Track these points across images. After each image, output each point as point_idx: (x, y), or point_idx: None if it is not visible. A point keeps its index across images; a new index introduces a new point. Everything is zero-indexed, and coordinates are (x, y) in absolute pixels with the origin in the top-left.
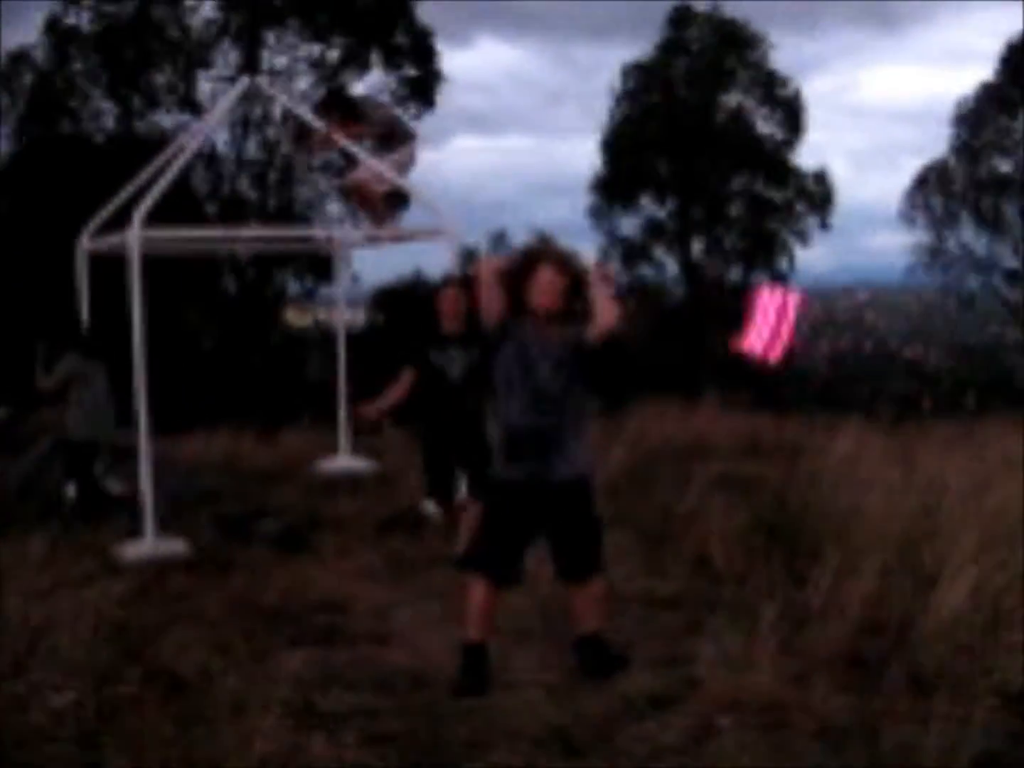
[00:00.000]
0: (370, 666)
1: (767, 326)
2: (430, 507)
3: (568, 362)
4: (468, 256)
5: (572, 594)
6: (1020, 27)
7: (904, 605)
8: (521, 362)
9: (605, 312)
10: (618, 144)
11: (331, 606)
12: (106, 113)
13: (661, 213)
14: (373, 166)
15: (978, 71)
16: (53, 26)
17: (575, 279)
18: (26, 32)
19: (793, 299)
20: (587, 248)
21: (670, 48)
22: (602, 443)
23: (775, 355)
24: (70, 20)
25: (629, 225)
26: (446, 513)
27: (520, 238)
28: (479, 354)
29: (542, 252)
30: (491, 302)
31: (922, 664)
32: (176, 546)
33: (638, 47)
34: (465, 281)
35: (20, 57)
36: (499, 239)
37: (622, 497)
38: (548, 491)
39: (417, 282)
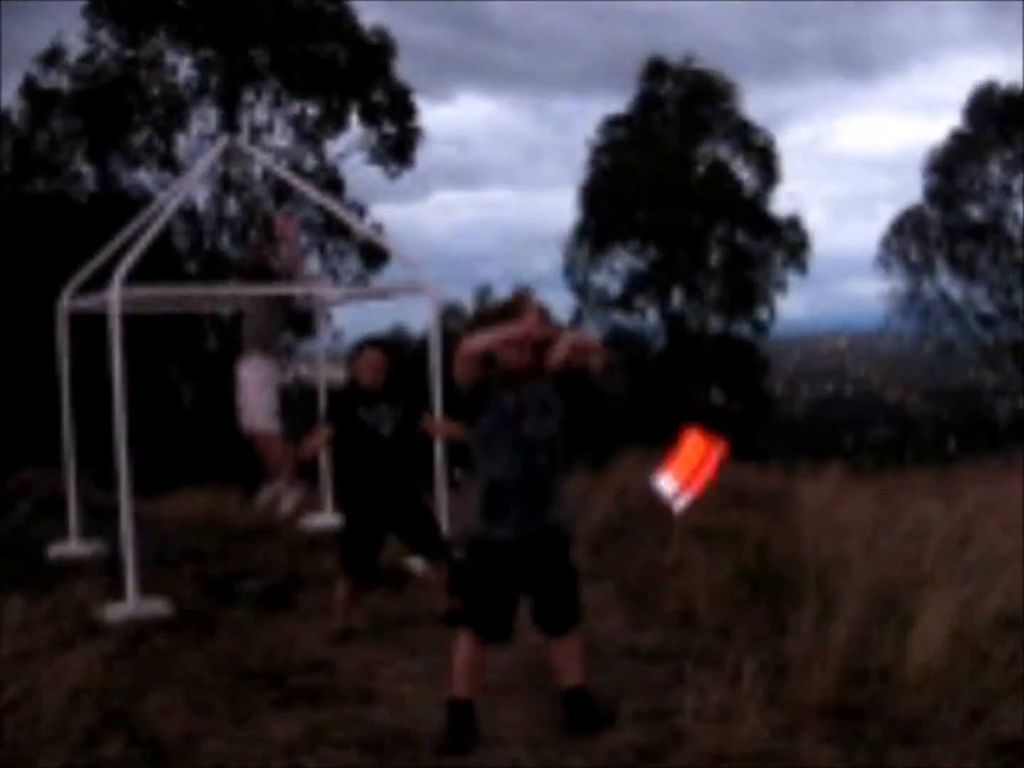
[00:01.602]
0: (355, 725)
1: (687, 468)
2: (416, 564)
3: (548, 411)
4: (450, 311)
5: (551, 648)
6: (987, 76)
7: (886, 652)
8: (502, 419)
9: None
10: (597, 196)
11: (315, 665)
12: (86, 173)
13: (642, 264)
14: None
15: (950, 119)
16: (29, 88)
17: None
18: (4, 94)
19: (718, 449)
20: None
21: (645, 101)
22: (585, 496)
23: (685, 496)
24: (48, 81)
25: (607, 277)
26: (355, 589)
27: (505, 292)
28: (407, 411)
29: (509, 309)
30: (465, 372)
31: (908, 712)
32: (158, 606)
33: (616, 100)
34: (381, 343)
35: None
36: (485, 292)
37: (605, 550)
38: (534, 544)
39: (398, 337)
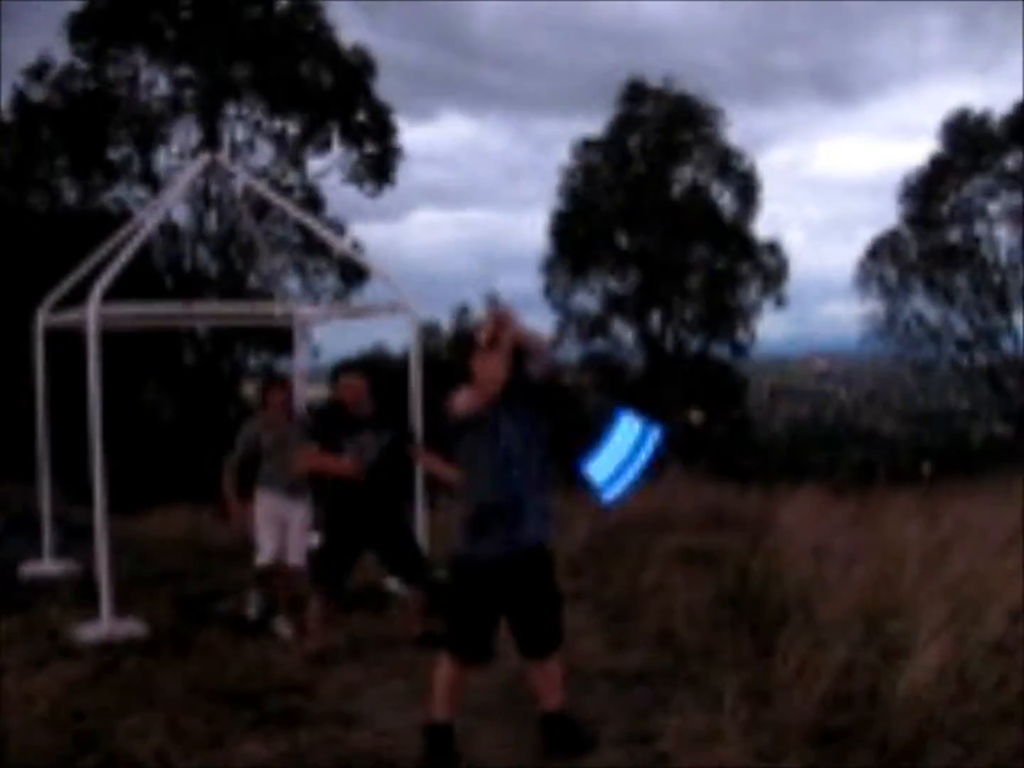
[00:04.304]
0: (333, 748)
1: (619, 456)
2: (394, 585)
3: (527, 428)
4: (428, 331)
5: (531, 671)
6: (965, 101)
7: (871, 677)
8: (483, 438)
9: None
10: (572, 219)
11: (293, 687)
12: (67, 187)
13: (619, 286)
14: None
15: (929, 143)
16: (21, 101)
17: (517, 351)
18: None
19: (654, 436)
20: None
21: (623, 124)
22: (564, 517)
23: (615, 488)
24: (37, 95)
25: (585, 299)
26: (328, 606)
27: (480, 312)
28: (393, 437)
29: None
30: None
31: (891, 738)
32: (133, 627)
33: (598, 122)
34: (361, 367)
35: None
36: (462, 312)
37: (585, 571)
38: (515, 561)
39: (377, 357)
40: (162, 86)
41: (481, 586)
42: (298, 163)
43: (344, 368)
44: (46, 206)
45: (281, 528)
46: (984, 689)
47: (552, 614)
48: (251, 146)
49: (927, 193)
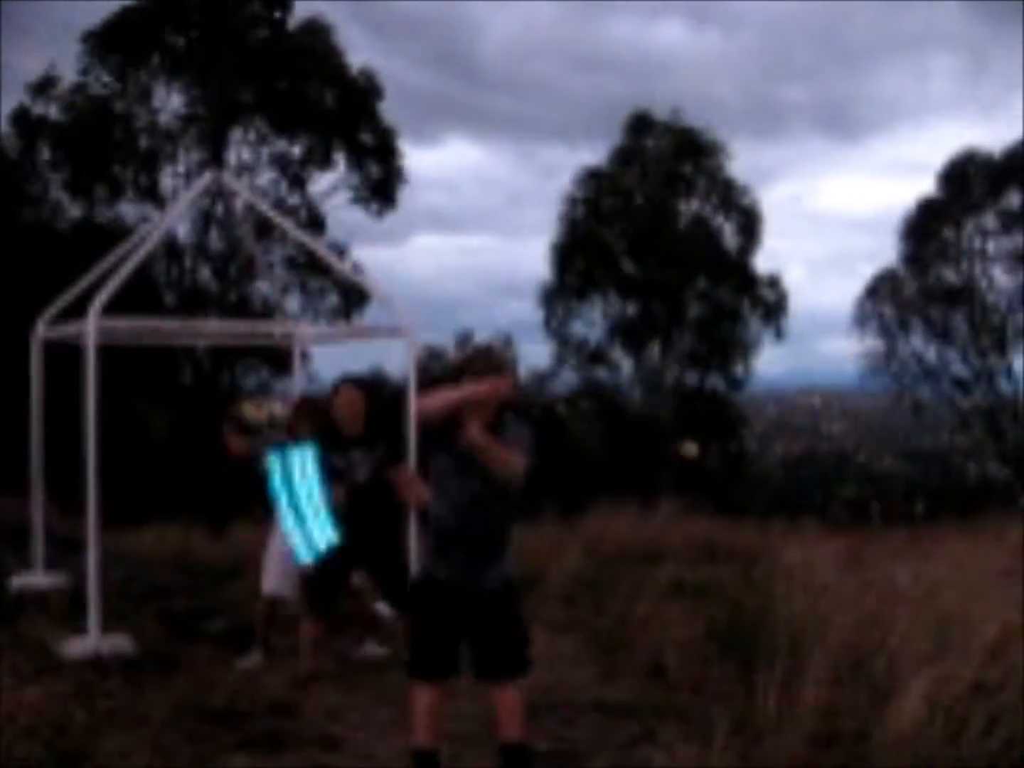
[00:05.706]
0: None
1: None
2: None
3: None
4: (432, 355)
5: (492, 696)
6: (969, 141)
7: (859, 715)
8: (452, 465)
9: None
10: (573, 249)
11: (279, 709)
12: (68, 203)
13: (619, 316)
14: None
15: (930, 183)
16: (22, 116)
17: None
18: None
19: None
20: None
21: (626, 155)
22: (557, 547)
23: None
24: (38, 110)
25: (585, 327)
26: (321, 629)
27: (483, 338)
28: (386, 453)
29: (465, 366)
30: (437, 416)
31: None
32: (121, 643)
33: (603, 150)
34: (360, 382)
35: None
36: (465, 339)
37: (576, 602)
38: (474, 597)
39: (377, 378)
40: (169, 105)
41: (438, 607)
42: (301, 183)
43: (343, 381)
44: (43, 220)
45: None
46: (973, 730)
47: (510, 637)
48: (256, 166)
49: (927, 232)
